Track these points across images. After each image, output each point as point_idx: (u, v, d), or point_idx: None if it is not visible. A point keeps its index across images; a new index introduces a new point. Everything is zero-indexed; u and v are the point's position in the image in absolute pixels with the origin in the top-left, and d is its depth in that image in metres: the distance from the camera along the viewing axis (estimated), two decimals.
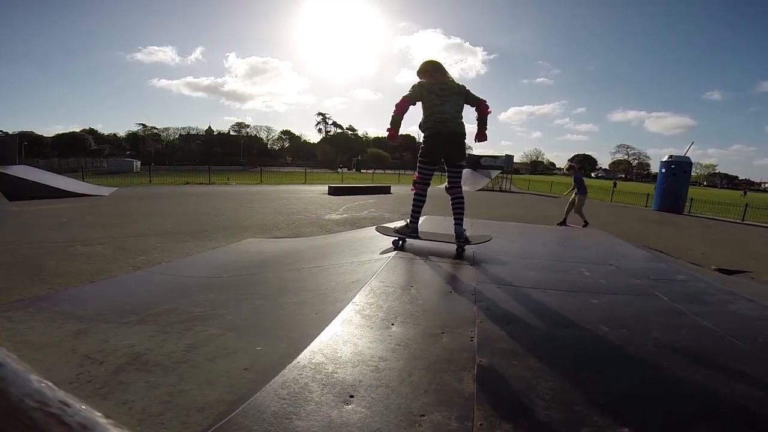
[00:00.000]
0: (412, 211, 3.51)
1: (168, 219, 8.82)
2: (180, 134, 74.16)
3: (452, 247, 3.69)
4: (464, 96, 3.31)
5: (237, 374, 1.57)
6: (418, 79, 3.29)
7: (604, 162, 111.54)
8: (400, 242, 3.56)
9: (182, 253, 5.39)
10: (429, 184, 3.48)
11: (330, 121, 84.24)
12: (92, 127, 65.31)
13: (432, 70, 3.24)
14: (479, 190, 25.28)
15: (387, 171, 48.99)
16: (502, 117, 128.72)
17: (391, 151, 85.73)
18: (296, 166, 65.60)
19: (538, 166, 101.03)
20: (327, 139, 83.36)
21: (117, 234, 6.77)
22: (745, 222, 15.62)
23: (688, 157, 18.64)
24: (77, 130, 62.80)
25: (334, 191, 16.19)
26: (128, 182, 20.10)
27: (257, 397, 1.37)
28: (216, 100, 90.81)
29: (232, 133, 76.87)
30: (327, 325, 2.02)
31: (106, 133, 66.63)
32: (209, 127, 76.43)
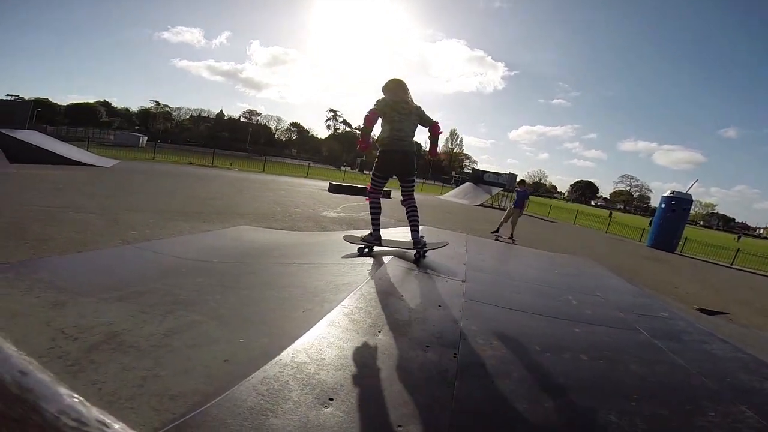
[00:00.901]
0: (372, 220, 3.63)
1: (165, 197, 8.76)
2: (191, 115, 74.02)
3: (447, 261, 3.67)
4: (419, 117, 3.46)
5: (216, 365, 1.53)
6: (382, 95, 3.42)
7: (605, 191, 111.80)
8: (366, 249, 3.65)
9: (174, 232, 5.34)
10: (381, 194, 3.67)
11: (340, 119, 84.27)
12: (107, 100, 65.08)
13: (395, 88, 3.39)
14: (478, 205, 25.30)
15: None
16: (512, 135, 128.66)
17: None
18: (301, 159, 65.55)
19: (539, 188, 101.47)
20: (335, 136, 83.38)
21: (112, 205, 6.71)
22: (734, 266, 15.69)
23: (689, 195, 18.69)
24: (91, 101, 62.58)
25: (334, 189, 16.14)
26: (132, 156, 19.98)
27: (234, 391, 1.34)
28: (232, 85, 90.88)
29: (242, 119, 76.87)
30: (313, 325, 1.98)
31: (119, 107, 66.39)
32: (221, 111, 76.41)
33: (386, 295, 2.62)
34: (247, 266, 3.55)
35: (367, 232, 3.78)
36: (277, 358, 1.64)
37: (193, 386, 1.34)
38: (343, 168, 49.58)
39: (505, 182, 29.59)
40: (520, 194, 10.22)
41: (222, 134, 71.71)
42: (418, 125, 3.49)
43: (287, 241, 5.22)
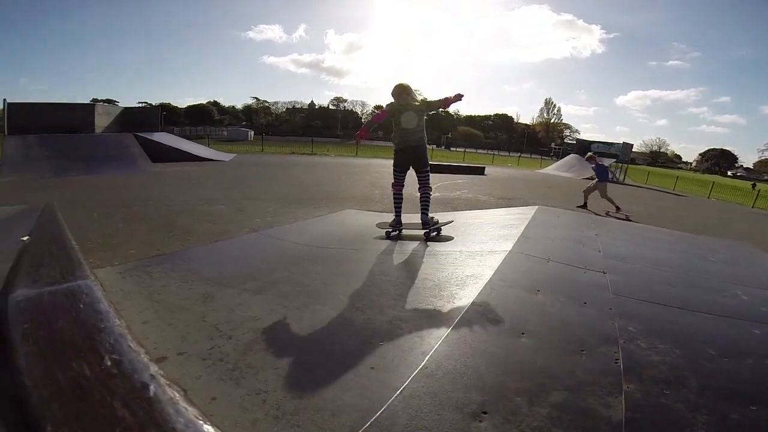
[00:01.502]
0: (395, 207, 4.06)
1: (278, 185, 9.51)
2: (286, 107, 79.95)
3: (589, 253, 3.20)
4: (427, 109, 3.83)
5: (365, 373, 1.46)
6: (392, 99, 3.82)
7: (747, 160, 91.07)
8: (393, 232, 3.97)
9: (291, 218, 5.70)
10: (403, 186, 4.05)
11: (420, 98, 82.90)
12: (215, 100, 73.79)
13: (400, 92, 3.78)
14: (586, 178, 22.73)
15: (479, 150, 46.77)
16: (620, 101, 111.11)
17: (485, 129, 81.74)
18: (387, 140, 66.15)
19: (659, 158, 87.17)
20: None
21: (236, 196, 7.45)
22: None
23: None
24: (203, 102, 71.62)
25: None
26: (244, 149, 22.29)
27: (389, 406, 1.24)
28: (317, 75, 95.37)
29: (330, 107, 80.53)
30: (449, 328, 1.83)
31: (226, 105, 74.81)
32: (312, 101, 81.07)
33: (519, 289, 2.35)
34: (360, 252, 3.55)
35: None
36: (420, 366, 1.53)
37: (349, 400, 1.28)
38: (428, 146, 48.92)
39: (618, 152, 26.06)
40: (595, 169, 9.81)
41: (315, 123, 76.06)
42: (436, 112, 3.96)
43: None
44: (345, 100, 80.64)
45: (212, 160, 14.75)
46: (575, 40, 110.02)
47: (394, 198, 4.05)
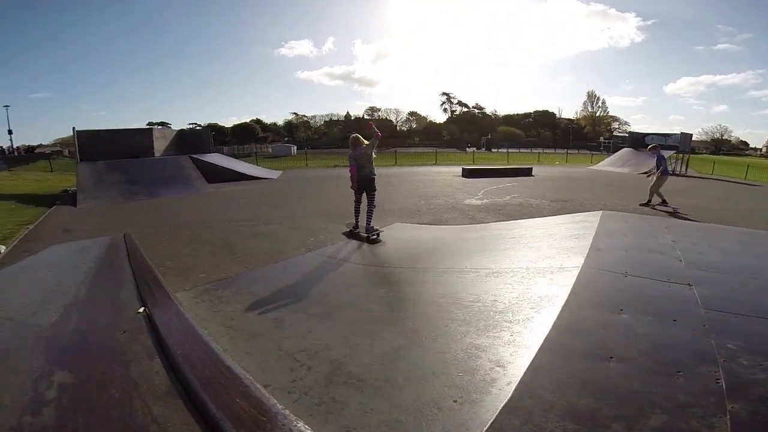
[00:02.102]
0: (355, 215, 5.71)
1: (325, 200, 9.68)
2: (324, 120, 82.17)
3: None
4: (372, 148, 5.47)
5: (448, 406, 1.41)
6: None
7: None
8: (354, 231, 5.59)
9: (342, 236, 5.77)
10: (361, 201, 5.67)
11: (455, 101, 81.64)
12: (258, 117, 77.35)
13: (355, 143, 5.52)
14: (643, 173, 21.24)
15: (522, 150, 45.20)
16: (669, 89, 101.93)
17: (526, 128, 79.02)
18: (424, 146, 66.11)
19: (722, 146, 79.57)
20: (453, 119, 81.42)
21: (287, 214, 7.70)
22: None
23: None
24: (247, 120, 75.34)
25: (468, 173, 15.52)
26: (290, 165, 22.89)
27: None
28: (349, 86, 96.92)
29: (365, 116, 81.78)
30: (531, 356, 1.73)
31: (268, 122, 78.25)
32: (347, 112, 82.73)
33: (600, 310, 2.19)
34: (419, 272, 3.51)
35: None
36: (508, 398, 1.45)
37: None
38: (468, 149, 48.01)
39: (677, 143, 24.13)
40: (659, 159, 9.29)
41: (352, 133, 77.49)
42: (374, 146, 5.51)
43: (446, 238, 5.10)
44: (379, 109, 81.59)
45: (262, 178, 15.36)
46: (610, 30, 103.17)
47: (355, 210, 5.72)
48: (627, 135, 33.52)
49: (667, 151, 23.56)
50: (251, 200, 9.82)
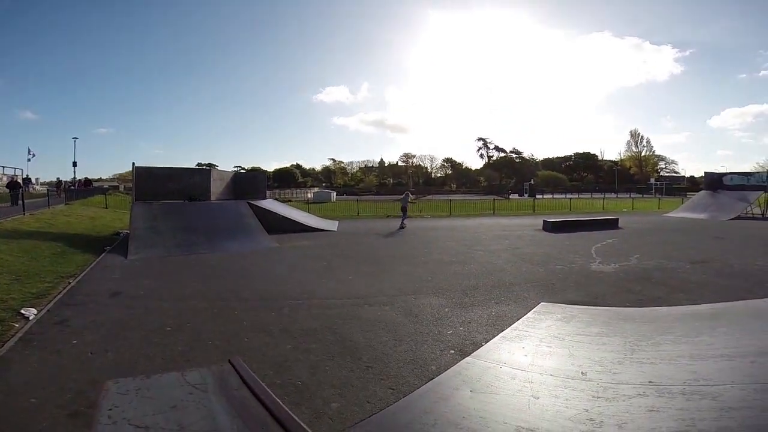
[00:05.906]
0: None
1: (416, 267, 7.84)
2: (359, 167, 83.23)
3: None
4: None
5: None
6: None
7: None
8: None
9: (482, 325, 4.26)
10: None
11: (491, 146, 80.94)
12: (298, 162, 79.40)
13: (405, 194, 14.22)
14: (732, 219, 18.66)
15: (568, 195, 42.68)
16: (714, 122, 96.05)
17: (566, 171, 76.57)
18: (462, 192, 64.85)
19: None
20: (490, 165, 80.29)
21: (388, 288, 6.10)
22: None
23: None
24: (287, 165, 77.50)
25: (552, 227, 13.72)
26: (340, 214, 20.88)
27: None
28: (382, 133, 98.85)
29: (400, 163, 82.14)
30: None
31: (307, 167, 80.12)
32: (381, 159, 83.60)
33: None
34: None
35: None
36: None
37: None
38: (510, 196, 46.07)
39: (764, 182, 21.52)
40: None
41: (387, 180, 77.69)
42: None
43: (642, 333, 3.39)
44: (413, 156, 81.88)
45: (322, 230, 14.17)
46: (646, 64, 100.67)
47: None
48: (678, 175, 30.81)
49: (755, 193, 20.99)
50: (329, 263, 8.42)
